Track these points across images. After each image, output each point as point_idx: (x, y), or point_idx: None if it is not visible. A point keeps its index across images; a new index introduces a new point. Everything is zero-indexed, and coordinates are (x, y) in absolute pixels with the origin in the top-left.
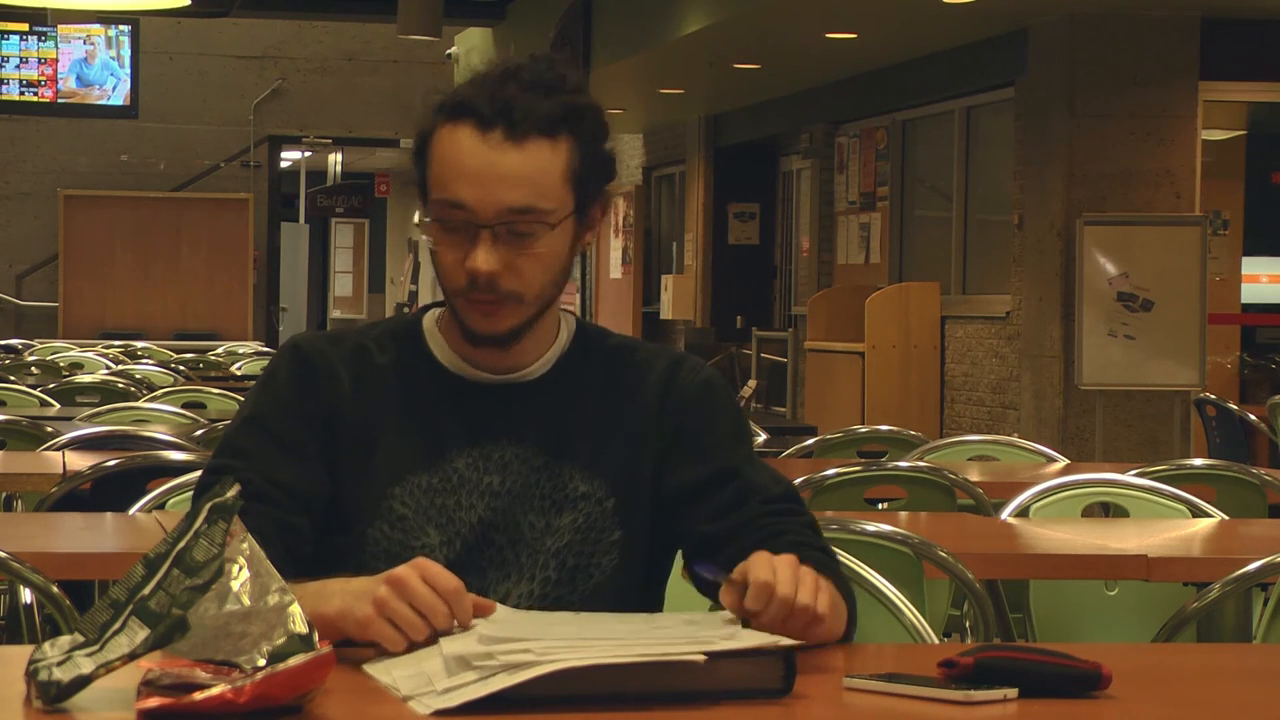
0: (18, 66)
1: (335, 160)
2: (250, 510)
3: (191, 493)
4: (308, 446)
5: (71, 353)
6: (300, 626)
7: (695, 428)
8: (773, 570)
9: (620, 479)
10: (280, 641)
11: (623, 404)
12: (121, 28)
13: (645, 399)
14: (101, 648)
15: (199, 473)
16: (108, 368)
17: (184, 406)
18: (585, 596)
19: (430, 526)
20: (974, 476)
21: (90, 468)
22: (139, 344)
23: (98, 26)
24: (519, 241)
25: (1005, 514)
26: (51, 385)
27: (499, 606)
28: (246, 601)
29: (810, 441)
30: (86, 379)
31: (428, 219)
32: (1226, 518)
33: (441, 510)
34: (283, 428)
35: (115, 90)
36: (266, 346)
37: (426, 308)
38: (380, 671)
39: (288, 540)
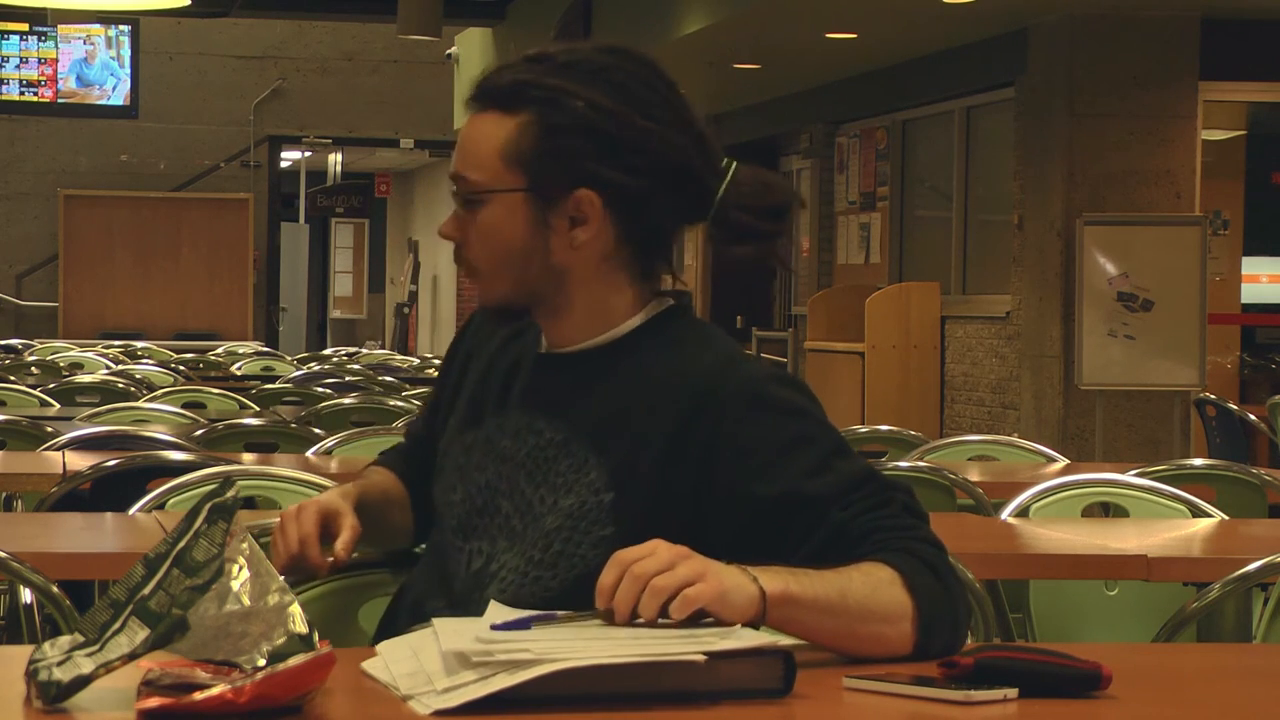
0: (18, 66)
1: (335, 160)
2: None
3: (199, 491)
4: (438, 400)
5: (71, 353)
6: (300, 626)
7: (743, 444)
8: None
9: (625, 476)
10: (280, 641)
11: (651, 400)
12: (121, 28)
13: (678, 400)
14: (101, 648)
15: (200, 471)
16: (108, 368)
17: (184, 406)
18: (565, 586)
19: (458, 482)
20: (974, 476)
21: (90, 468)
22: (139, 344)
23: (98, 26)
24: (471, 211)
25: (1005, 514)
26: (51, 385)
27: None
28: (246, 601)
29: None
30: (86, 379)
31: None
32: (1226, 518)
33: (464, 469)
34: (436, 385)
35: (115, 90)
36: (266, 346)
37: None
38: (380, 671)
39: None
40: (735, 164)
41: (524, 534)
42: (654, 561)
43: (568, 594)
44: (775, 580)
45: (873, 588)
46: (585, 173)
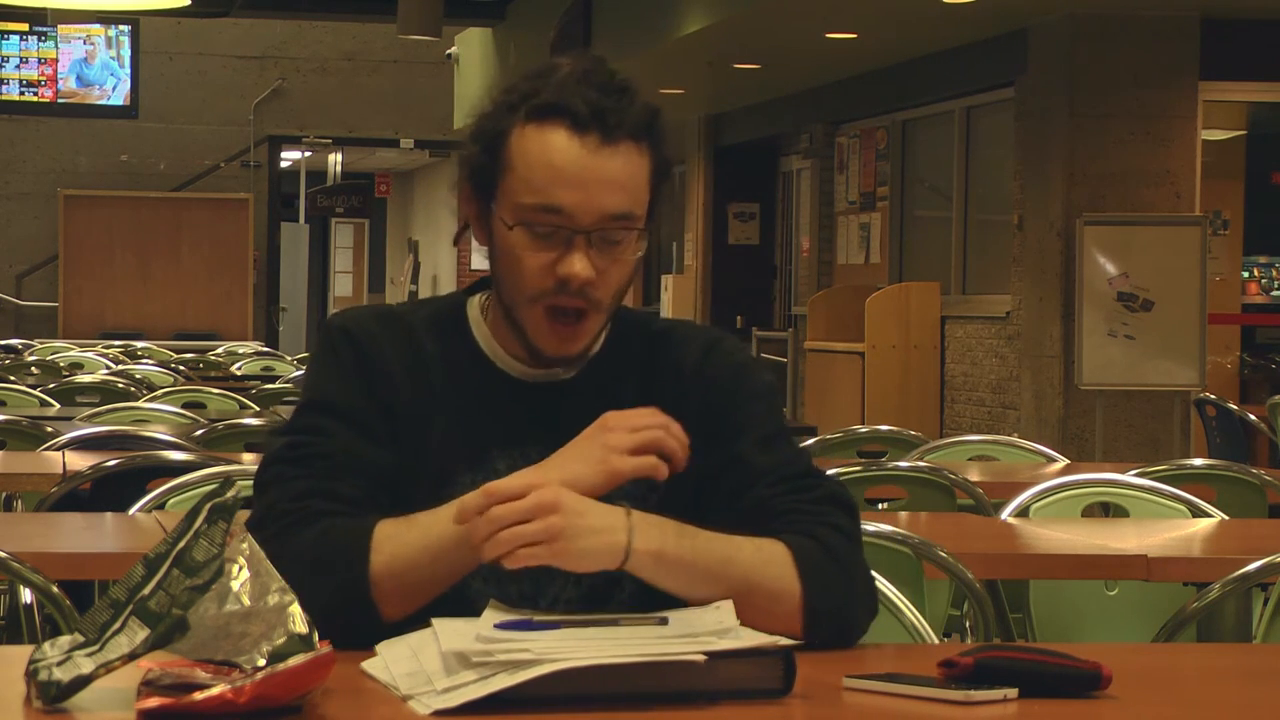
0: (18, 66)
1: (335, 160)
2: (334, 476)
3: (199, 491)
4: (379, 430)
5: (71, 353)
6: (300, 626)
7: (720, 412)
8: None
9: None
10: (280, 641)
11: (658, 391)
12: (121, 28)
13: (680, 383)
14: (101, 648)
15: (200, 471)
16: (108, 368)
17: (184, 406)
18: (631, 595)
19: None
20: (974, 476)
21: (90, 468)
22: (139, 344)
23: (98, 26)
24: (610, 249)
25: (1005, 514)
26: (51, 385)
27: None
28: (246, 601)
29: (810, 442)
30: (86, 379)
31: (511, 224)
32: (1226, 518)
33: None
34: (353, 410)
35: (115, 90)
36: (266, 346)
37: (471, 290)
38: (380, 671)
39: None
40: None
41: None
42: (514, 510)
43: (632, 606)
44: (652, 537)
45: (763, 562)
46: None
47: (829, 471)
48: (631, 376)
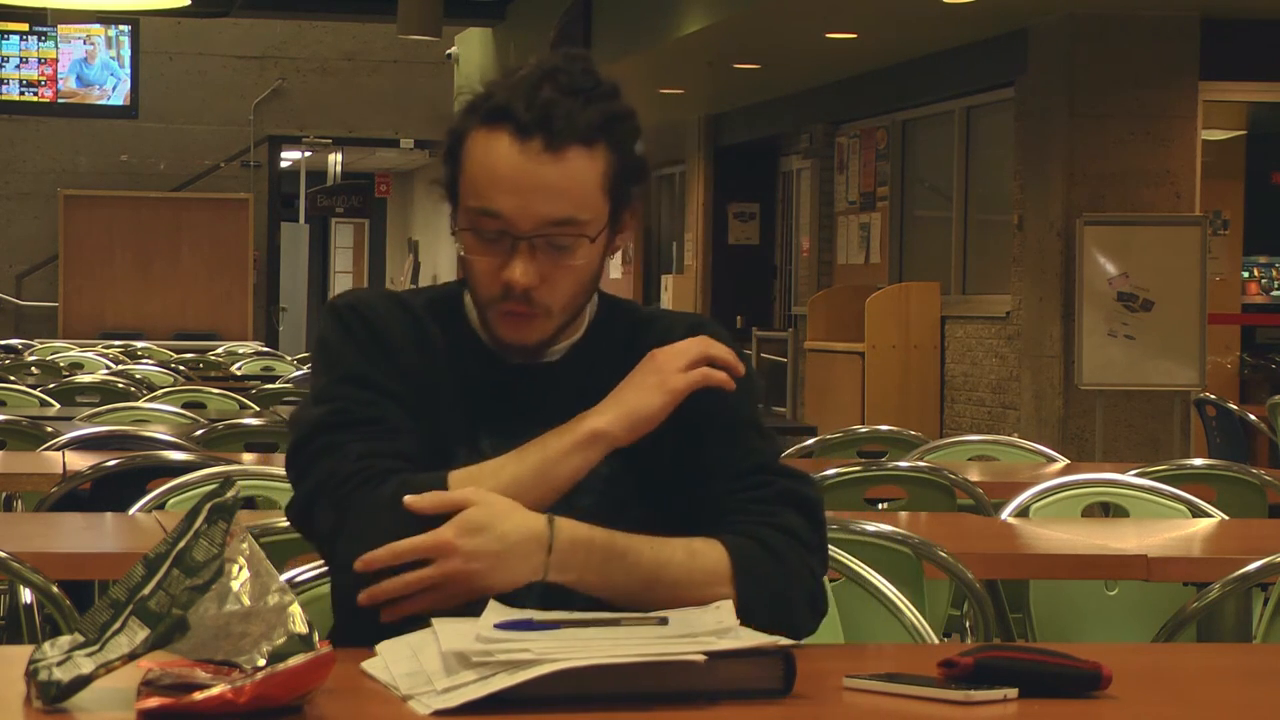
0: (18, 66)
1: (335, 160)
2: (388, 437)
3: (199, 491)
4: (407, 398)
5: (71, 353)
6: (300, 626)
7: (693, 395)
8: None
9: (637, 454)
10: (280, 641)
11: None
12: (121, 28)
13: None
14: (101, 648)
15: (200, 471)
16: (108, 368)
17: (184, 406)
18: None
19: None
20: (974, 476)
21: (90, 468)
22: (139, 344)
23: (98, 26)
24: (556, 254)
25: (1005, 514)
26: (51, 385)
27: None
28: (246, 601)
29: (810, 441)
30: (86, 379)
31: (462, 226)
32: (1226, 518)
33: None
34: (383, 379)
35: (115, 90)
36: (266, 346)
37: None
38: (380, 671)
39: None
40: None
41: None
42: (434, 543)
43: None
44: (571, 565)
45: (696, 567)
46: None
47: (829, 471)
48: (615, 360)
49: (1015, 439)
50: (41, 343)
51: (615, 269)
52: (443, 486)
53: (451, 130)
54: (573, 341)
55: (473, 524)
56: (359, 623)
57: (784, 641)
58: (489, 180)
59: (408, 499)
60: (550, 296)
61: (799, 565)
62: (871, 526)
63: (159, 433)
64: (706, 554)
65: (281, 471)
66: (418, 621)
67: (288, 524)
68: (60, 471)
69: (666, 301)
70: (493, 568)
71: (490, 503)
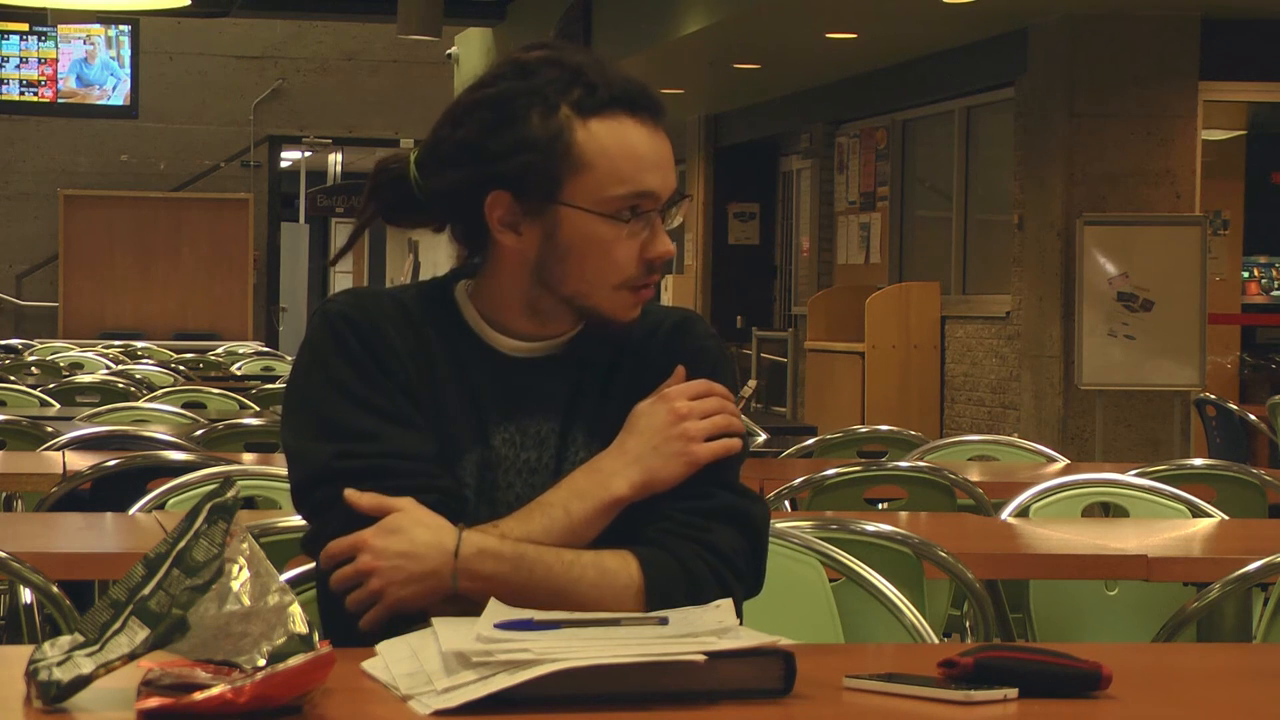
0: (18, 66)
1: (335, 160)
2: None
3: (199, 491)
4: (408, 408)
5: (71, 353)
6: (300, 626)
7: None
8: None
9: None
10: (280, 641)
11: (627, 367)
12: (121, 28)
13: (646, 359)
14: (101, 648)
15: (200, 471)
16: (108, 368)
17: (184, 406)
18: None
19: (482, 504)
20: (974, 476)
21: (90, 468)
22: (139, 344)
23: (98, 26)
24: (667, 224)
25: (1005, 514)
26: (51, 385)
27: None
28: (246, 601)
29: (810, 441)
30: (86, 379)
31: (607, 213)
32: (1226, 518)
33: (491, 487)
34: (379, 397)
35: (115, 90)
36: (266, 346)
37: (454, 275)
38: (380, 671)
39: (451, 508)
40: None
41: None
42: (353, 541)
43: None
44: (482, 569)
45: (606, 585)
46: None
47: (829, 471)
48: (605, 353)
49: (1015, 439)
50: (41, 343)
51: None
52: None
53: (538, 130)
54: (572, 334)
55: (390, 526)
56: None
57: (784, 641)
58: (635, 163)
59: (347, 492)
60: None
61: (716, 590)
62: (871, 526)
63: (159, 433)
64: (618, 573)
65: (282, 471)
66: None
67: (288, 524)
68: (60, 471)
69: (667, 301)
70: (400, 568)
71: (413, 510)
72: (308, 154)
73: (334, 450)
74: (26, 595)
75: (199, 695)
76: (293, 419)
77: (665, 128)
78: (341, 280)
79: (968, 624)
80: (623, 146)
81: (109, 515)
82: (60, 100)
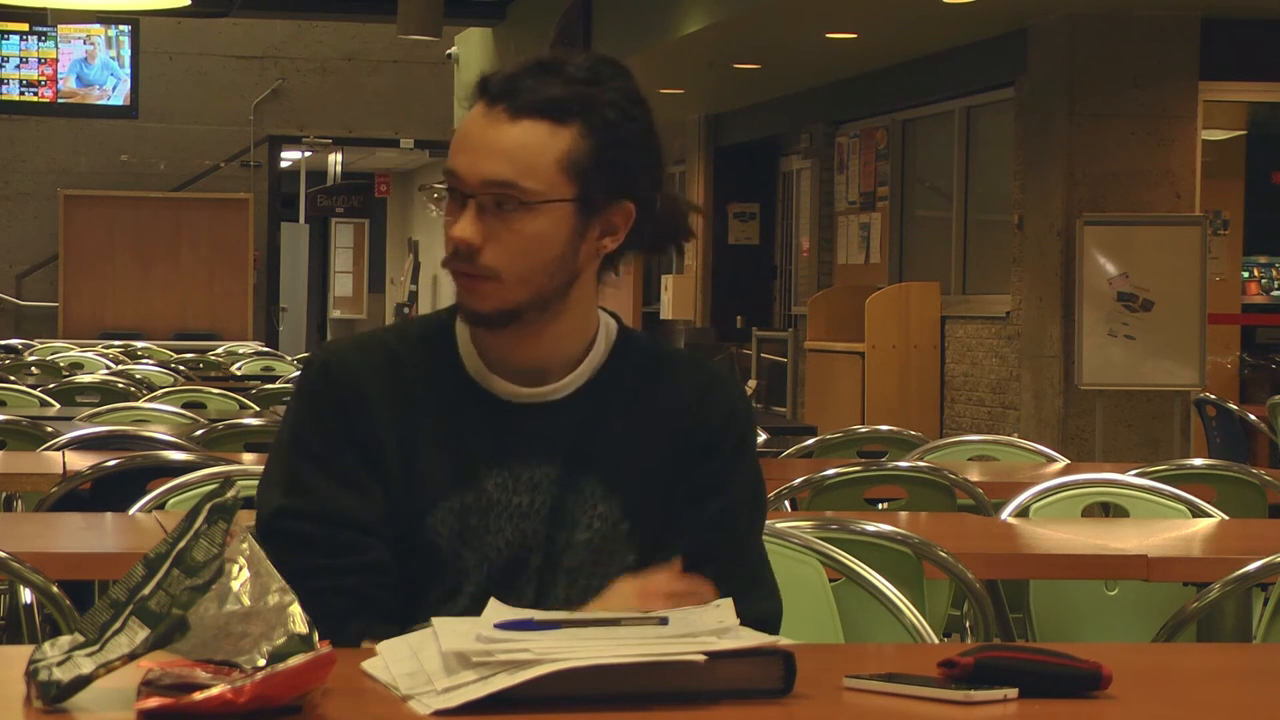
0: (18, 66)
1: (335, 160)
2: (321, 569)
3: (199, 491)
4: (358, 472)
5: (71, 353)
6: (300, 626)
7: (700, 459)
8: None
9: (638, 502)
10: (280, 641)
11: (649, 423)
12: (121, 28)
13: (672, 420)
14: (101, 648)
15: (200, 471)
16: (108, 368)
17: (184, 406)
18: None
19: (465, 549)
20: (974, 476)
21: (90, 468)
22: (139, 344)
23: (98, 26)
24: (501, 216)
25: (1005, 514)
26: (51, 385)
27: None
28: (246, 601)
29: (810, 441)
30: (86, 379)
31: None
32: (1226, 518)
33: (474, 531)
34: (332, 457)
35: (115, 90)
36: (266, 346)
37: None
38: (380, 671)
39: (370, 581)
40: None
41: (553, 579)
42: None
43: None
44: None
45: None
46: (631, 185)
47: (829, 471)
48: (622, 405)
49: (1015, 439)
50: (41, 343)
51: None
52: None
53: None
54: (581, 384)
55: None
56: None
57: (784, 641)
58: (455, 143)
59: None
60: (495, 260)
61: None
62: (871, 526)
63: (159, 433)
64: None
65: None
66: None
67: None
68: (60, 471)
69: (667, 302)
70: None
71: None
72: (308, 154)
73: (277, 506)
74: (26, 595)
75: (199, 695)
76: (270, 453)
77: (537, 127)
78: (341, 280)
79: (968, 624)
80: (459, 130)
81: (109, 515)
82: (60, 100)
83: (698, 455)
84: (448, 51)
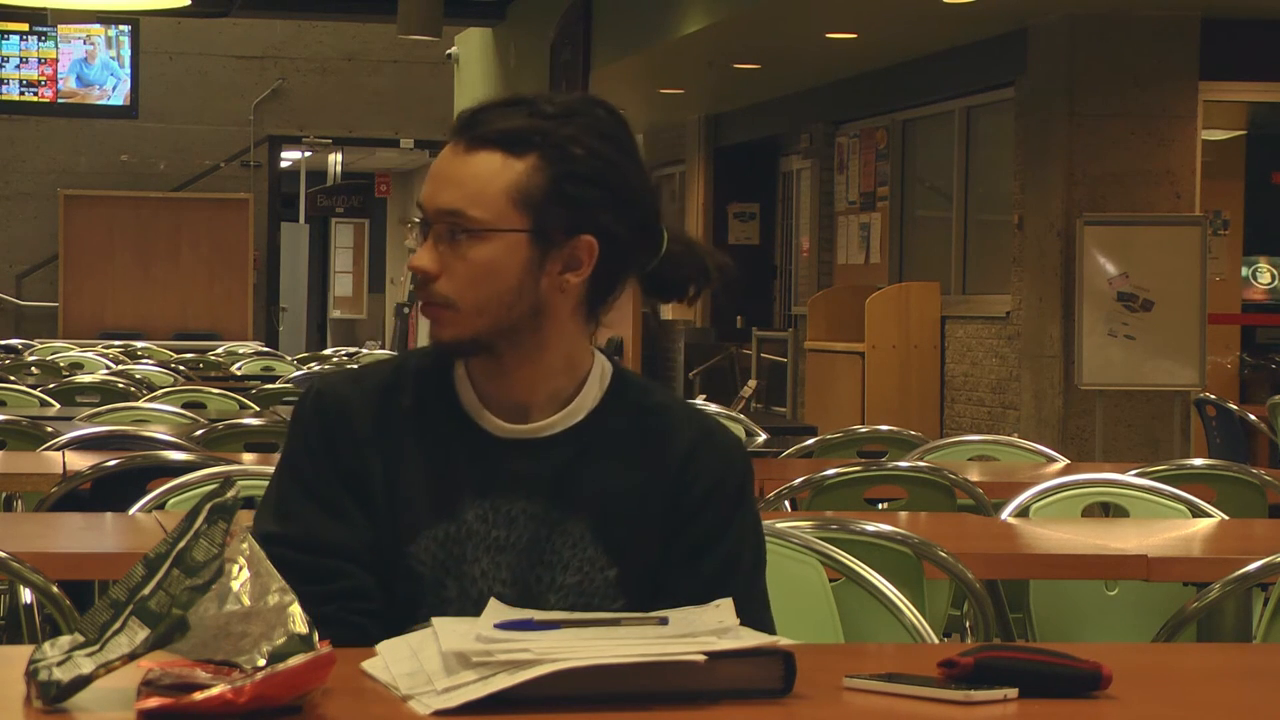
0: (18, 66)
1: (335, 160)
2: (301, 595)
3: (199, 491)
4: (345, 501)
5: (71, 353)
6: (300, 626)
7: (706, 522)
8: None
9: (626, 550)
10: (280, 641)
11: (641, 473)
12: (121, 28)
13: (664, 472)
14: (101, 648)
15: (200, 471)
16: (108, 368)
17: (184, 406)
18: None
19: (448, 579)
20: (974, 476)
21: (90, 468)
22: (139, 344)
23: (98, 26)
24: (453, 245)
25: (1005, 514)
26: (51, 385)
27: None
28: (246, 601)
29: (810, 441)
30: (86, 379)
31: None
32: (1226, 518)
33: (457, 561)
34: (320, 485)
35: (115, 90)
36: (266, 346)
37: None
38: (380, 670)
39: (349, 607)
40: (666, 230)
41: None
42: None
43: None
44: None
45: None
46: (590, 220)
47: (829, 471)
48: (613, 450)
49: (1015, 439)
50: (41, 343)
51: None
52: None
53: None
54: (571, 424)
55: None
56: None
57: (784, 641)
58: (427, 176)
59: None
60: (449, 289)
61: None
62: (871, 526)
63: (159, 433)
64: None
65: None
66: None
67: None
68: (60, 471)
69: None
70: None
71: None
72: (308, 154)
73: (264, 533)
74: (26, 595)
75: (199, 695)
76: (273, 473)
77: (490, 158)
78: (341, 280)
79: (968, 624)
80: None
81: (109, 515)
82: (60, 100)
83: (691, 511)
84: (448, 51)
